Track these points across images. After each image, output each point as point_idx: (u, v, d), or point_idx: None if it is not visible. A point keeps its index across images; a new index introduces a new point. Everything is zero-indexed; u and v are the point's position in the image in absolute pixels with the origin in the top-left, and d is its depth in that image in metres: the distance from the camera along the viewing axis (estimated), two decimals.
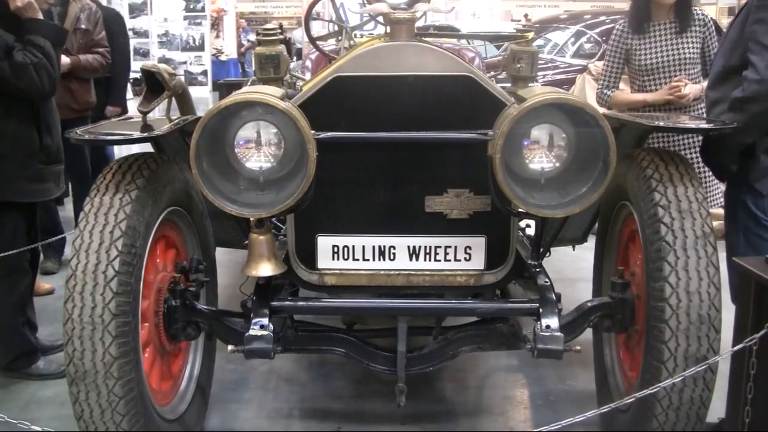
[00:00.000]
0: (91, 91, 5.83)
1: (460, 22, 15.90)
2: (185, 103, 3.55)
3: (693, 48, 4.33)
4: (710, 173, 4.13)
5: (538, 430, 2.50)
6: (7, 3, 3.69)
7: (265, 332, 2.96)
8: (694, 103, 4.54)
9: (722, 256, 2.90)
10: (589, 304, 3.14)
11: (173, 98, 3.31)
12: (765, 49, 3.10)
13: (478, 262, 3.13)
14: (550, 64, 8.94)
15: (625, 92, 4.55)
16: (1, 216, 3.88)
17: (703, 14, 4.45)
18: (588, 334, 3.30)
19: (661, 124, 3.30)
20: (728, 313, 2.74)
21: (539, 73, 5.82)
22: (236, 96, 2.73)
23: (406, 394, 3.07)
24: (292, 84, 4.68)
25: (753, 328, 2.48)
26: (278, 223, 3.85)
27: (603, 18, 9.73)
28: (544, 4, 26.43)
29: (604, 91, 4.42)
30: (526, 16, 23.67)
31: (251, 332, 2.97)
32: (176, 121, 3.15)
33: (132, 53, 19.10)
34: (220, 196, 2.74)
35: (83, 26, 5.57)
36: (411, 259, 3.12)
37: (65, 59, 5.32)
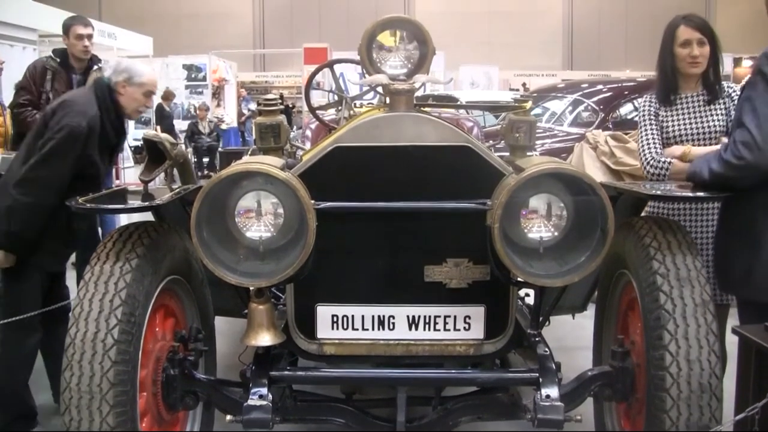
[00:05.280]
0: None
1: (458, 92, 16.10)
2: (186, 172, 3.58)
3: (720, 119, 4.20)
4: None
5: None
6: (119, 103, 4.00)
7: (263, 402, 2.94)
8: None
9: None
10: (589, 373, 3.13)
11: (174, 167, 3.35)
12: (757, 116, 3.00)
13: (477, 331, 3.12)
14: (547, 133, 8.99)
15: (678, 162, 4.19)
16: (24, 273, 3.92)
17: (730, 88, 4.33)
18: (589, 403, 3.27)
19: (659, 193, 3.31)
20: (728, 381, 2.73)
21: (537, 142, 5.85)
22: (237, 166, 2.76)
23: None
24: (292, 153, 4.73)
25: (755, 396, 2.47)
26: (278, 293, 3.84)
27: (600, 87, 9.83)
28: (542, 74, 26.83)
29: (660, 160, 3.85)
30: (524, 85, 23.99)
31: (250, 402, 2.95)
32: (177, 190, 3.18)
33: (133, 122, 19.25)
34: (220, 265, 2.75)
35: None
36: (410, 329, 3.11)
37: None
